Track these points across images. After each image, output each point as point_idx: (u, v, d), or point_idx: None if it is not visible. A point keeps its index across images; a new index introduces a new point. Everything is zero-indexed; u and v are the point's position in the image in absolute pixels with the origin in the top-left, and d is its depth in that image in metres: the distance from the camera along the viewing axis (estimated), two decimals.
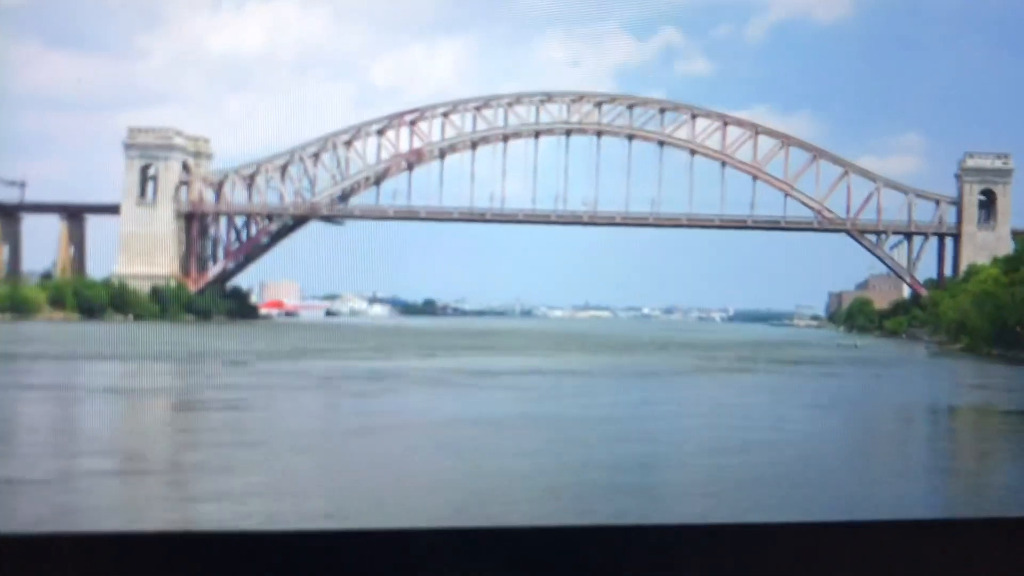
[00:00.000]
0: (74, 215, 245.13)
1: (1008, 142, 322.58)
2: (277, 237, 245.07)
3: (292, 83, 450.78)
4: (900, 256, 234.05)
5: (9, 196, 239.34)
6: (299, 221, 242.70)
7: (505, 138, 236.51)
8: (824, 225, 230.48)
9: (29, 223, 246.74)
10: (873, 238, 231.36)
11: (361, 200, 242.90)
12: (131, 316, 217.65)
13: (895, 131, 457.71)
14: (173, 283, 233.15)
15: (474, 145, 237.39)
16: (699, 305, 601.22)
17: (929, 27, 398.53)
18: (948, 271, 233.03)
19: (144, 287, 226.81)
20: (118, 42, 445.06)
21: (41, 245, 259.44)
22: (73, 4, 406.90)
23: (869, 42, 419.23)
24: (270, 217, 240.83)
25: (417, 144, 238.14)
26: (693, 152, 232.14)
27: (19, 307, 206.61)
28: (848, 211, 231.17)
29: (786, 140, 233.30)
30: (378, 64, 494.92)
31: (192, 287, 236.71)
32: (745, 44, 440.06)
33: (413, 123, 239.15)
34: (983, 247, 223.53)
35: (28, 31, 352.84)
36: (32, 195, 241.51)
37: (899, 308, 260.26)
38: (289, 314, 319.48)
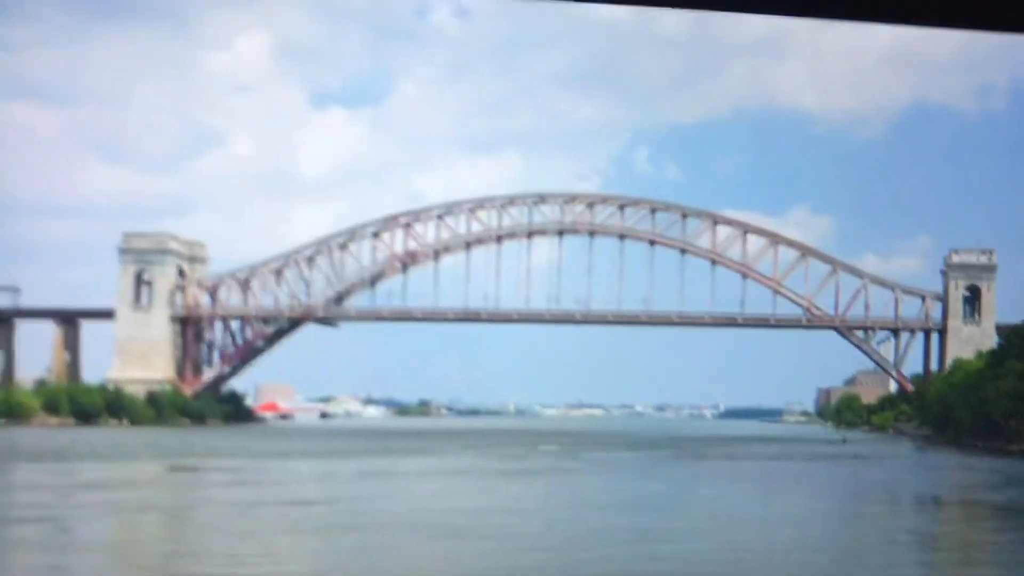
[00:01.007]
0: (69, 320, 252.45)
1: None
2: (272, 340, 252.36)
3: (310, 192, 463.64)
4: (887, 352, 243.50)
5: (3, 302, 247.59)
6: (294, 324, 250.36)
7: (499, 239, 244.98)
8: (813, 322, 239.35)
9: (23, 329, 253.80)
10: (861, 334, 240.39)
11: (356, 302, 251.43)
12: (126, 421, 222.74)
13: (906, 233, 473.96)
14: (168, 387, 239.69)
15: (468, 246, 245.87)
16: (690, 402, 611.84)
17: (942, 143, 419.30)
18: (934, 365, 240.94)
19: (139, 392, 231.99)
20: (128, 152, 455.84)
21: (36, 350, 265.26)
22: (98, 117, 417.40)
23: (892, 155, 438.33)
24: (265, 320, 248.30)
25: (412, 246, 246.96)
26: (684, 251, 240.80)
27: (13, 413, 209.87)
28: (836, 308, 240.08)
29: (775, 239, 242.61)
30: (414, 175, 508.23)
31: (187, 391, 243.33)
32: (779, 151, 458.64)
33: (408, 225, 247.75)
34: (968, 341, 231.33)
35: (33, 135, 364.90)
36: (27, 301, 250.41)
37: (886, 403, 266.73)
38: (284, 417, 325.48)
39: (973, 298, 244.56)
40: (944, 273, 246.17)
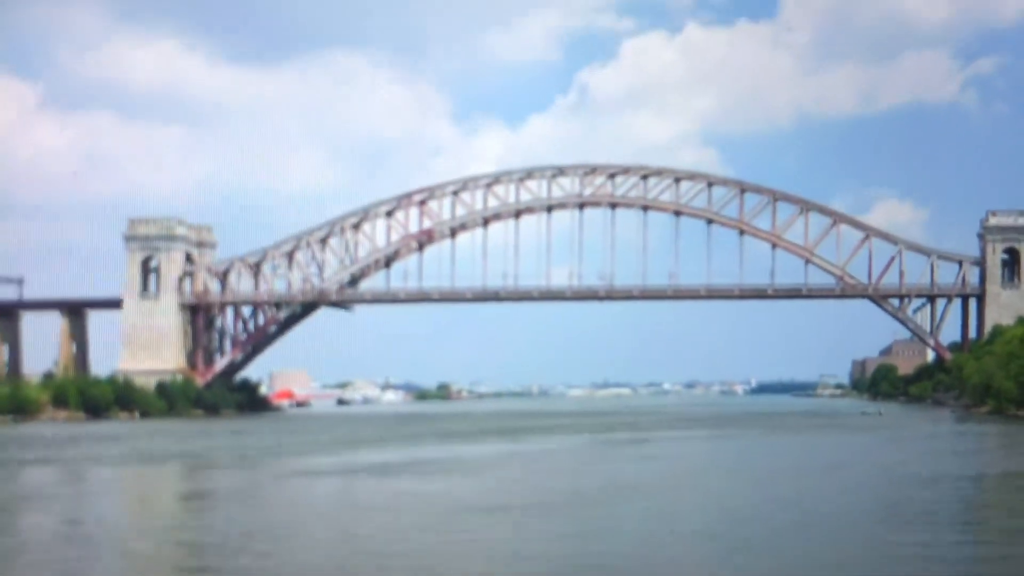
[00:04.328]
0: (75, 311, 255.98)
1: None
2: (286, 326, 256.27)
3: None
4: (923, 320, 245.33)
5: (7, 294, 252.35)
6: (308, 308, 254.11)
7: (517, 214, 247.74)
8: (846, 291, 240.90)
9: (28, 320, 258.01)
10: (896, 302, 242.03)
11: (371, 284, 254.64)
12: (137, 413, 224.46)
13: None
14: (179, 377, 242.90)
15: (486, 222, 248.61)
16: (721, 378, 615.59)
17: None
18: (973, 333, 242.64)
19: (150, 383, 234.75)
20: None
21: (42, 343, 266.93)
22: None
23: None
24: (278, 305, 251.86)
25: (427, 224, 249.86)
26: (710, 221, 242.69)
27: (21, 408, 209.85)
28: (870, 276, 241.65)
29: (805, 206, 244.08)
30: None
31: (199, 381, 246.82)
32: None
33: (422, 203, 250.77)
34: (1008, 307, 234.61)
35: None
36: (31, 292, 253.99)
37: (923, 373, 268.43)
38: (300, 404, 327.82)
39: (1012, 261, 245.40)
40: (981, 236, 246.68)
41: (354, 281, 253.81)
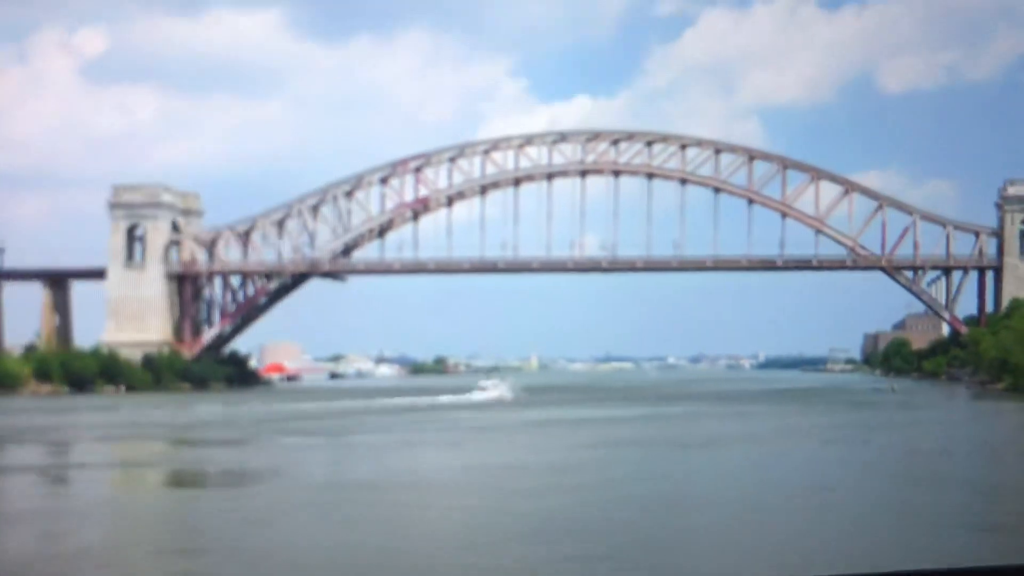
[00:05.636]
0: (57, 281, 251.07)
1: None
2: (276, 296, 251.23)
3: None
4: (938, 292, 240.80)
5: None
6: (299, 278, 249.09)
7: (517, 182, 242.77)
8: (858, 262, 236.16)
9: (9, 291, 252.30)
10: (910, 274, 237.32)
11: (365, 254, 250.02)
12: (123, 387, 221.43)
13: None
14: (166, 350, 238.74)
15: (484, 191, 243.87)
16: (727, 352, 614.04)
17: None
18: (990, 306, 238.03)
19: (135, 355, 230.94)
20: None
21: (23, 314, 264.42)
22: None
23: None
24: (268, 275, 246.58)
25: (423, 192, 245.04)
26: (718, 190, 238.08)
27: (2, 381, 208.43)
28: (883, 247, 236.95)
29: (816, 174, 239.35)
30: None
31: (187, 353, 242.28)
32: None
33: (418, 170, 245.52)
34: None
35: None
36: (11, 260, 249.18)
37: (938, 348, 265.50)
38: (291, 378, 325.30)
39: None
40: (999, 206, 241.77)
41: (347, 251, 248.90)
